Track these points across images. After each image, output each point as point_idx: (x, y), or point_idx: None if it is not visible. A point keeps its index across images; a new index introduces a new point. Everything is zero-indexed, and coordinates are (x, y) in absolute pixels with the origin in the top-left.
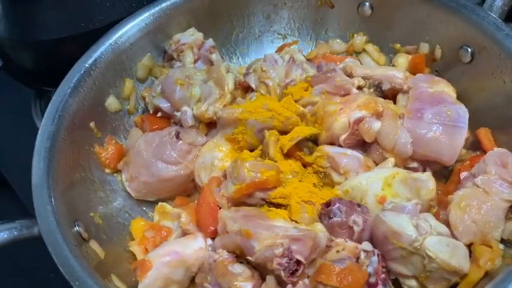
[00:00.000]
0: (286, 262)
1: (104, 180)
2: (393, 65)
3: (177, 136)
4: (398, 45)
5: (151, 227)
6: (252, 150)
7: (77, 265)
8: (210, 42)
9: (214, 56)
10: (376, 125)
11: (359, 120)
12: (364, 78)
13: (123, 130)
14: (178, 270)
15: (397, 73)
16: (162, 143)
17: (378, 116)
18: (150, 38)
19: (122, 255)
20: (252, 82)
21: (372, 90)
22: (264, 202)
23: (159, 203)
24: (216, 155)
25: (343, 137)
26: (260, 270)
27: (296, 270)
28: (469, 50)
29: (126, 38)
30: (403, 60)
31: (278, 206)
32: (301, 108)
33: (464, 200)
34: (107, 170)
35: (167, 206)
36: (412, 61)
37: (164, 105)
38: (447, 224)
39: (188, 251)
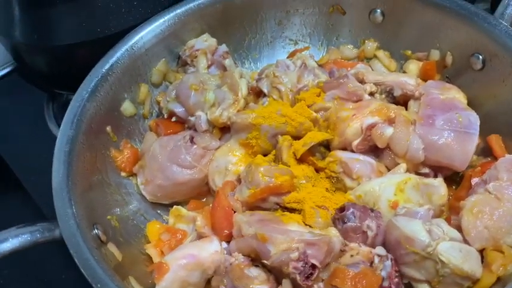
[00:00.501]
0: (301, 266)
1: (119, 184)
2: (404, 72)
3: (192, 140)
4: (409, 52)
5: (167, 230)
6: (265, 155)
7: (98, 267)
8: (224, 48)
9: (228, 62)
10: (389, 131)
11: (371, 126)
12: (375, 84)
13: (138, 134)
14: (194, 273)
15: (408, 79)
16: (176, 147)
17: (390, 122)
18: (165, 43)
19: (138, 257)
20: (265, 87)
21: (383, 96)
22: (278, 207)
23: (174, 206)
24: (230, 159)
25: (355, 142)
26: (275, 273)
27: (311, 274)
28: (481, 57)
29: (142, 44)
30: (414, 66)
31: (292, 210)
32: (314, 114)
33: (477, 206)
34: (123, 174)
35: (182, 209)
36: (423, 68)
37: (179, 110)
38: (459, 229)
39: (204, 254)
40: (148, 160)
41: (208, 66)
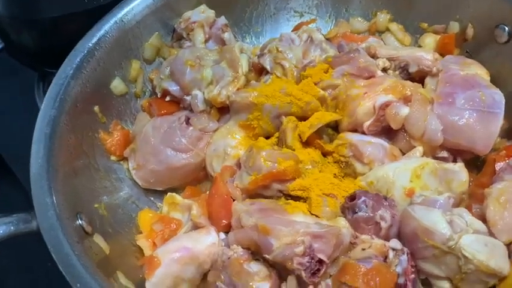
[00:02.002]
0: (307, 262)
1: (109, 168)
2: (419, 46)
3: (187, 122)
4: (425, 25)
5: (160, 219)
6: (267, 138)
7: (78, 264)
8: (223, 20)
9: (227, 35)
10: (404, 110)
11: (385, 105)
12: (389, 59)
13: (129, 115)
14: (188, 267)
15: (425, 54)
16: (171, 129)
17: (406, 100)
18: (158, 15)
19: (128, 249)
20: (267, 64)
21: (397, 72)
22: (282, 194)
23: (168, 193)
24: (229, 142)
25: (367, 123)
26: (278, 269)
27: (318, 270)
28: (506, 28)
29: (133, 16)
30: (430, 40)
31: (296, 198)
32: (322, 92)
33: (504, 195)
34: (113, 158)
35: (177, 197)
36: (440, 41)
37: (173, 88)
38: (482, 220)
39: (200, 247)
40: (140, 143)
41: (206, 41)
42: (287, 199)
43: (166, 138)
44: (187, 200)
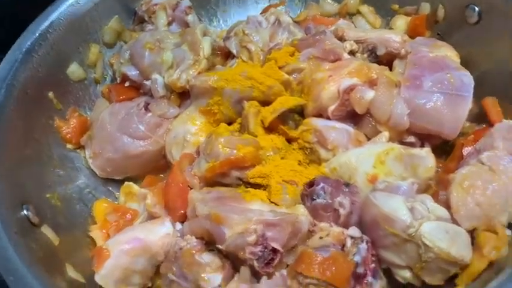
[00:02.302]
0: (260, 251)
1: (64, 157)
2: (391, 28)
3: (146, 108)
4: (396, 6)
5: (115, 209)
6: (230, 124)
7: (15, 257)
8: (186, 2)
9: (191, 18)
10: (369, 94)
11: (350, 89)
12: (357, 42)
13: (88, 101)
14: (139, 259)
15: (394, 36)
16: (128, 115)
17: (372, 84)
18: None
19: (82, 240)
20: (233, 47)
21: (365, 55)
22: (241, 182)
23: (125, 183)
24: (189, 129)
25: (331, 107)
26: (233, 259)
27: (272, 259)
28: (477, 8)
29: None
30: (401, 22)
31: (257, 186)
32: (286, 76)
33: (468, 180)
34: (69, 146)
35: (134, 186)
36: (411, 23)
37: (132, 72)
38: (447, 206)
39: (153, 238)
40: (97, 130)
41: (169, 23)
42: (247, 187)
43: (123, 125)
44: (144, 189)
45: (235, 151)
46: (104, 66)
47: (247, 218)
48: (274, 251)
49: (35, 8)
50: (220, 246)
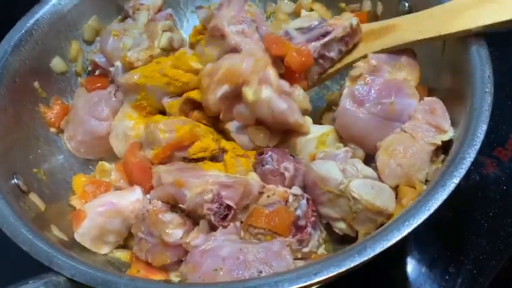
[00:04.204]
0: (216, 207)
1: (48, 138)
2: None
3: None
4: (343, 4)
5: (92, 181)
6: (162, 113)
7: (7, 209)
8: (169, 10)
9: (168, 23)
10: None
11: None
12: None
13: (70, 91)
14: (113, 220)
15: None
16: (99, 101)
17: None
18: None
19: (64, 209)
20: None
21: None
22: (187, 160)
23: (99, 162)
24: (126, 125)
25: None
26: (193, 217)
27: (226, 215)
28: (406, 4)
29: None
30: None
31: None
32: (195, 66)
33: (391, 145)
34: (52, 130)
35: (106, 164)
36: None
37: (101, 60)
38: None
39: (124, 202)
40: (72, 115)
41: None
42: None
43: (92, 109)
44: (110, 166)
45: (174, 133)
46: (84, 60)
47: (205, 180)
48: (229, 207)
49: (22, 7)
50: (182, 206)
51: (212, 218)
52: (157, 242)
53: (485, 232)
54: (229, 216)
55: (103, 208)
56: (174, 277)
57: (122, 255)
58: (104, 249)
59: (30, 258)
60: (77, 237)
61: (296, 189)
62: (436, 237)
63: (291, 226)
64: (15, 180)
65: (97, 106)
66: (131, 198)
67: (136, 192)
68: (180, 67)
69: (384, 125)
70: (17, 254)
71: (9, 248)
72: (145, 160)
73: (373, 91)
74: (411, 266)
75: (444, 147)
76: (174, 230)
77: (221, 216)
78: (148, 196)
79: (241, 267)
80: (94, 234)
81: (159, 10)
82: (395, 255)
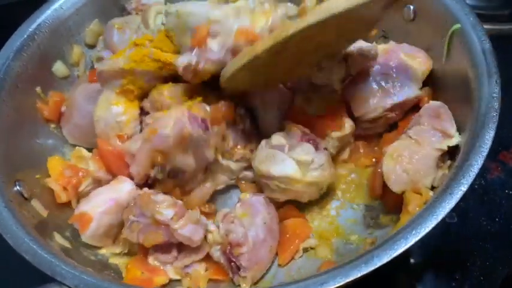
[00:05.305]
0: (196, 123)
1: (51, 144)
2: None
3: None
4: None
5: (69, 166)
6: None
7: (10, 218)
8: None
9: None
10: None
11: None
12: None
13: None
14: (116, 215)
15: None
16: (99, 91)
17: None
18: (96, 3)
19: (67, 215)
20: None
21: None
22: None
23: (76, 147)
24: (116, 111)
25: None
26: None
27: (206, 127)
28: (411, 7)
29: (72, 3)
30: None
31: None
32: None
33: (397, 151)
34: (52, 126)
35: (83, 150)
36: None
37: (107, 54)
38: None
39: (122, 195)
40: (70, 101)
41: None
42: None
43: (92, 96)
44: (87, 153)
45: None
46: (85, 64)
47: (173, 114)
48: (204, 121)
49: (24, 12)
50: (167, 143)
51: (199, 131)
52: (150, 222)
53: (491, 238)
54: (208, 125)
55: (106, 206)
56: (173, 275)
57: (121, 261)
58: (110, 243)
59: (31, 268)
60: (85, 239)
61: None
62: (442, 243)
63: None
64: (18, 187)
65: (98, 94)
66: (126, 189)
67: (128, 182)
68: (163, 48)
69: (384, 91)
70: (18, 264)
71: (9, 258)
72: (118, 148)
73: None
74: (417, 272)
75: (450, 153)
76: (166, 209)
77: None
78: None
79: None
80: (102, 233)
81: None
82: (400, 260)
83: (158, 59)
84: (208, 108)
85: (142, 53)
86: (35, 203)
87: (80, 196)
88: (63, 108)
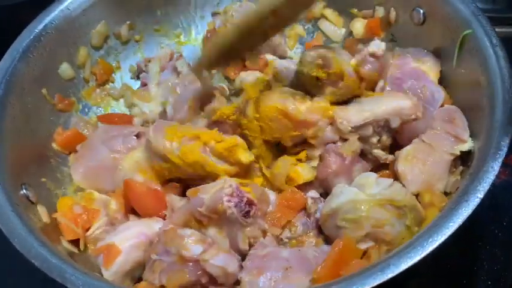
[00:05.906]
0: (237, 201)
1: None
2: (350, 31)
3: (137, 136)
4: (355, 10)
5: (78, 204)
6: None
7: (18, 222)
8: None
9: (179, 63)
10: None
11: None
12: (363, 125)
13: (78, 97)
14: (144, 254)
15: (403, 102)
16: (117, 135)
17: None
18: (104, 4)
19: None
20: (217, 24)
21: (384, 137)
22: None
23: (88, 190)
24: (138, 178)
25: None
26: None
27: (248, 211)
28: (421, 11)
29: (79, 4)
30: (359, 25)
31: None
32: (243, 160)
33: (410, 154)
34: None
35: (95, 193)
36: (367, 26)
37: None
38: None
39: (154, 232)
40: (87, 142)
41: (161, 70)
42: None
43: (107, 139)
44: (105, 196)
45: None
46: (91, 66)
47: (221, 181)
48: (250, 203)
49: (30, 13)
50: (200, 209)
51: (234, 211)
52: (175, 260)
53: (499, 242)
54: (252, 212)
55: (138, 239)
56: None
57: None
58: (130, 285)
59: (36, 275)
60: (109, 275)
61: (314, 193)
62: (450, 248)
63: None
64: (24, 191)
65: (114, 139)
66: (157, 226)
67: (160, 221)
68: (226, 156)
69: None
70: (21, 272)
71: (13, 265)
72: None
73: (404, 73)
74: (426, 277)
75: (462, 158)
76: (194, 245)
77: (243, 212)
78: None
79: (307, 264)
80: (128, 270)
81: (170, 59)
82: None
83: (207, 165)
84: (274, 196)
85: (195, 158)
86: (41, 207)
87: (91, 240)
88: (78, 147)
